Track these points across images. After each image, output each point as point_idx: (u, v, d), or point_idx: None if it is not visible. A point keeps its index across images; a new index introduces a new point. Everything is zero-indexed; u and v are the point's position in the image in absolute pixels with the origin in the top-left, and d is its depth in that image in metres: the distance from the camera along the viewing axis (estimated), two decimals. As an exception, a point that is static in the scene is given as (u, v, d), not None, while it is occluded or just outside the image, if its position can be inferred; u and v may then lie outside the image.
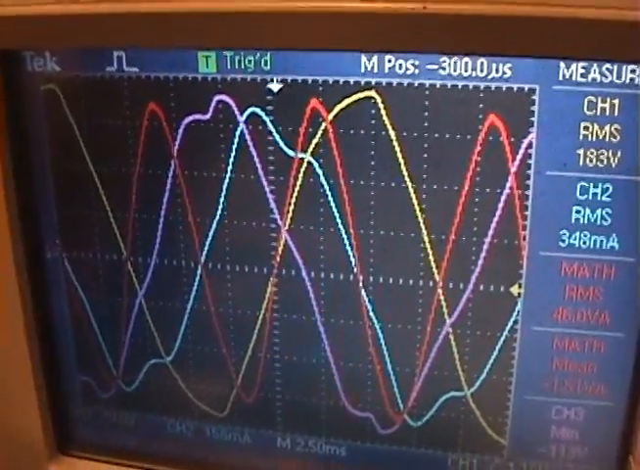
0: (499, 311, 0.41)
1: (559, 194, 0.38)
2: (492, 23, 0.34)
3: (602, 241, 0.39)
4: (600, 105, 0.37)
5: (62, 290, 0.47)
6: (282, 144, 0.40)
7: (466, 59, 0.37)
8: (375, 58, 0.38)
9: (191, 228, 0.43)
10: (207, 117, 0.41)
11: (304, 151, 0.40)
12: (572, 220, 0.38)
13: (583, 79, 0.36)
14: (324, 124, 0.39)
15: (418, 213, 0.40)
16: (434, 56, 0.37)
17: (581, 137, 0.37)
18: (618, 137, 0.37)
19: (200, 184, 0.42)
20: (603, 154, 0.37)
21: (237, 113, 0.40)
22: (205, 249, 0.43)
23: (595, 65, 0.36)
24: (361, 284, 0.42)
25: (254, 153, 0.41)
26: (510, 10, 0.33)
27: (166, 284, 0.45)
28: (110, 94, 0.42)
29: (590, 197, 0.38)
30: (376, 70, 0.38)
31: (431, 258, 0.40)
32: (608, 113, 0.37)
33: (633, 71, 0.36)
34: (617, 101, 0.36)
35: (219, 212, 0.42)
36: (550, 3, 0.33)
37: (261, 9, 0.35)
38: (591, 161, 0.37)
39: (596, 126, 0.37)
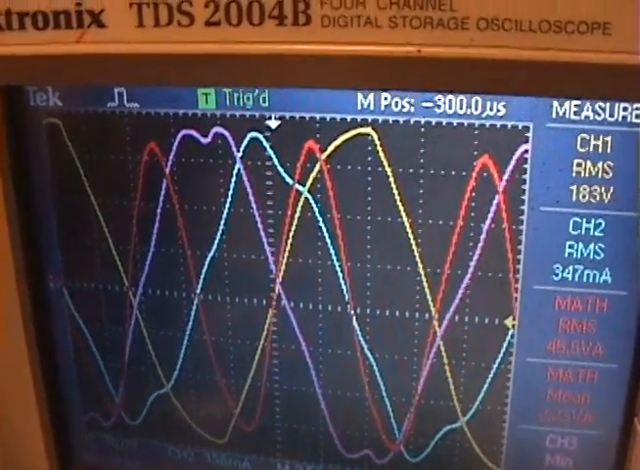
0: (494, 343, 0.41)
1: (552, 229, 0.39)
2: (485, 66, 0.34)
3: (595, 275, 0.39)
4: (593, 142, 0.37)
5: (64, 319, 0.47)
6: (279, 178, 0.41)
7: (461, 97, 0.38)
8: (371, 95, 0.38)
9: (188, 260, 0.44)
10: (206, 145, 0.41)
11: (302, 184, 0.41)
12: (566, 255, 0.39)
13: (576, 117, 0.37)
14: (320, 161, 0.40)
15: (413, 248, 0.40)
16: (429, 94, 0.38)
17: (574, 174, 0.38)
18: (611, 174, 0.37)
19: (198, 217, 0.43)
20: (596, 190, 0.38)
21: (234, 146, 0.41)
22: (202, 280, 0.44)
23: (588, 103, 0.37)
24: (356, 317, 0.42)
25: (252, 186, 0.41)
26: (502, 54, 0.34)
27: (166, 314, 0.45)
28: (110, 129, 0.42)
29: (583, 232, 0.38)
30: (372, 108, 0.39)
31: (426, 291, 0.41)
32: (600, 150, 0.37)
33: (625, 109, 0.36)
34: (609, 138, 0.37)
35: (216, 245, 0.43)
36: (542, 47, 0.33)
37: (260, 51, 0.36)
38: (584, 197, 0.38)
39: (589, 163, 0.37)
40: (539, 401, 0.42)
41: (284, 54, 0.36)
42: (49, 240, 0.46)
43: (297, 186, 0.41)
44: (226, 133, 0.41)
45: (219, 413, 0.47)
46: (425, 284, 0.41)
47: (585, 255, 0.39)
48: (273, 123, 0.40)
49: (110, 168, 0.43)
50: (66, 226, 0.45)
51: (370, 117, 0.39)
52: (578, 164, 0.38)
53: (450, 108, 0.38)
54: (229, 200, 0.42)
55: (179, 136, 0.41)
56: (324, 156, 0.40)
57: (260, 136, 0.40)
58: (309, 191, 0.41)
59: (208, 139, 0.41)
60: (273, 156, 0.41)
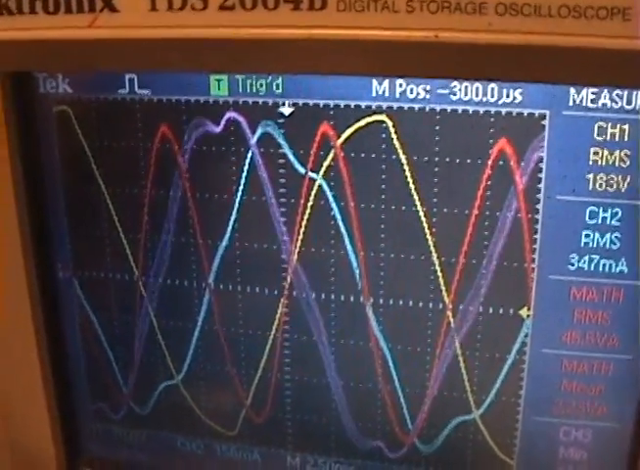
0: (508, 334, 0.41)
1: (568, 218, 0.38)
2: (503, 52, 0.34)
3: (611, 265, 0.39)
4: (610, 130, 0.37)
5: (74, 309, 0.47)
6: (293, 166, 0.40)
7: (477, 84, 0.37)
8: (386, 82, 0.38)
9: (201, 249, 0.43)
10: (219, 136, 0.41)
11: (316, 172, 0.40)
12: (582, 244, 0.39)
13: (593, 105, 0.36)
14: (334, 148, 0.40)
15: (428, 237, 0.40)
16: (445, 81, 0.37)
17: (591, 162, 0.37)
18: (628, 162, 0.37)
19: (210, 205, 0.42)
20: (612, 179, 0.37)
21: (248, 132, 0.40)
22: (215, 269, 0.43)
23: (605, 90, 0.36)
24: (370, 306, 0.42)
25: (265, 174, 0.41)
26: (520, 39, 0.33)
27: (177, 304, 0.45)
28: (121, 116, 0.42)
29: (599, 221, 0.38)
30: (387, 95, 0.38)
31: (440, 280, 0.40)
32: (617, 138, 0.37)
33: (643, 97, 0.36)
34: (626, 126, 0.37)
35: (229, 234, 0.42)
36: (560, 33, 0.33)
37: (275, 36, 0.35)
38: (601, 185, 0.38)
39: (606, 151, 0.37)
40: (554, 393, 0.42)
41: (299, 39, 0.35)
42: (59, 229, 0.45)
43: (311, 174, 0.40)
44: (239, 120, 0.40)
45: (229, 404, 0.46)
46: (439, 274, 0.40)
47: (601, 244, 0.38)
48: (286, 110, 0.40)
49: (120, 156, 0.43)
50: (75, 215, 0.45)
51: (385, 104, 0.38)
52: (595, 153, 0.37)
53: (466, 95, 0.38)
54: (242, 188, 0.41)
55: (191, 123, 0.41)
56: (339, 141, 0.39)
57: (274, 124, 0.40)
58: (323, 178, 0.40)
59: (221, 126, 0.41)
60: (286, 143, 0.40)
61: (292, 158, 0.40)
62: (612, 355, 0.40)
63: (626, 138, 0.37)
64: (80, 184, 0.44)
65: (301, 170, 0.40)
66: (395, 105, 0.38)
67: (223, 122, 0.41)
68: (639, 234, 0.38)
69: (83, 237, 0.45)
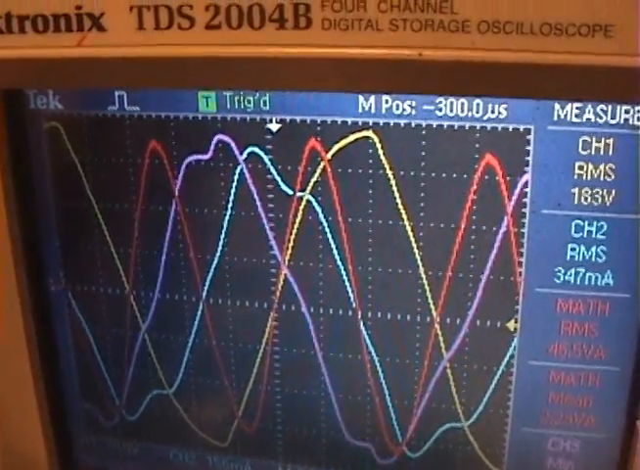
0: (495, 346, 0.41)
1: (554, 232, 0.39)
2: (487, 69, 0.34)
3: (597, 277, 0.39)
4: (595, 144, 0.37)
5: (65, 323, 0.47)
6: (281, 183, 0.41)
7: (462, 100, 0.38)
8: (372, 98, 0.38)
9: (192, 264, 0.44)
10: (208, 156, 0.41)
11: (303, 189, 0.41)
12: (568, 258, 0.39)
13: (578, 120, 0.37)
14: (322, 163, 0.40)
15: (415, 251, 0.40)
16: (430, 97, 0.38)
17: (576, 176, 0.38)
18: (613, 176, 0.37)
19: (200, 221, 0.43)
20: (598, 192, 0.38)
21: (237, 152, 0.41)
22: (207, 284, 0.44)
23: (590, 105, 0.36)
24: (360, 319, 0.42)
25: (254, 191, 0.41)
26: (503, 56, 0.34)
27: (168, 318, 0.45)
28: (111, 132, 0.42)
29: (585, 235, 0.38)
30: (373, 111, 0.38)
31: (428, 294, 0.41)
32: (602, 152, 0.37)
33: (627, 112, 0.36)
34: (611, 141, 0.37)
35: (220, 249, 0.43)
36: (543, 50, 0.33)
37: (261, 54, 0.36)
38: (586, 199, 0.38)
39: (591, 166, 0.37)
40: (541, 404, 0.42)
41: (285, 57, 0.36)
42: (50, 244, 0.46)
43: (299, 192, 0.41)
44: (228, 140, 0.41)
45: (221, 416, 0.47)
46: (427, 287, 0.41)
47: (587, 257, 0.39)
48: (274, 126, 0.40)
49: (111, 172, 0.43)
50: (67, 230, 0.45)
51: (371, 121, 0.39)
52: (580, 167, 0.37)
53: (451, 110, 0.38)
54: (231, 204, 0.42)
55: (180, 139, 0.41)
56: (327, 157, 0.40)
57: (261, 141, 0.40)
58: (311, 194, 0.41)
59: (211, 145, 0.41)
60: (274, 160, 0.40)
61: (280, 174, 0.41)
62: (598, 367, 0.41)
63: (611, 152, 0.37)
64: (71, 200, 0.44)
65: (290, 187, 0.41)
66: (382, 121, 0.39)
67: (213, 141, 0.41)
68: (625, 247, 0.38)
69: (75, 252, 0.46)
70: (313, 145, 0.40)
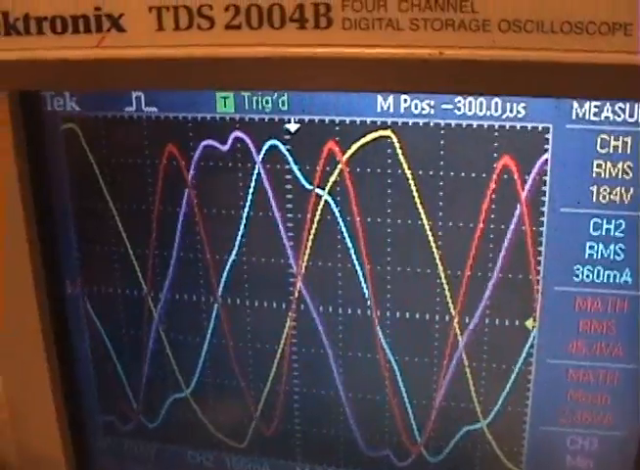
0: (514, 345, 0.41)
1: (572, 230, 0.39)
2: (506, 67, 0.34)
3: (615, 276, 0.39)
4: (613, 143, 0.37)
5: (82, 325, 0.47)
6: (299, 182, 0.41)
7: (481, 99, 0.38)
8: (391, 98, 0.38)
9: (208, 264, 0.44)
10: (225, 156, 0.41)
11: (322, 188, 0.41)
12: (586, 256, 0.39)
13: (596, 118, 0.37)
14: (340, 164, 0.40)
15: (434, 250, 0.40)
16: (449, 96, 0.38)
17: (594, 174, 0.38)
18: (631, 174, 0.37)
19: (217, 221, 0.43)
20: (616, 190, 0.38)
21: (254, 150, 0.41)
22: (222, 284, 0.44)
23: (608, 104, 0.37)
24: (377, 319, 0.42)
25: (272, 190, 0.41)
26: (523, 55, 0.34)
27: (185, 318, 0.45)
28: (128, 133, 0.42)
29: (604, 233, 0.38)
30: (392, 110, 0.39)
31: (447, 293, 0.41)
32: (620, 150, 0.37)
33: (645, 110, 0.37)
34: (629, 139, 0.37)
35: (236, 249, 0.43)
36: (563, 49, 0.33)
37: (281, 54, 0.36)
38: (604, 197, 0.38)
39: (609, 164, 0.37)
40: (560, 403, 0.42)
41: (305, 57, 0.36)
42: (68, 245, 0.46)
43: (317, 190, 0.41)
44: (245, 137, 0.41)
45: (239, 417, 0.47)
46: (445, 286, 0.41)
47: (606, 255, 0.39)
48: (292, 127, 0.40)
49: (128, 173, 0.43)
50: (84, 232, 0.45)
51: (390, 120, 0.39)
52: (598, 165, 0.38)
53: (470, 109, 0.38)
54: (248, 203, 0.42)
55: (198, 140, 0.41)
56: (344, 158, 0.40)
57: (280, 140, 0.40)
58: (329, 194, 0.41)
59: (227, 143, 0.41)
60: (292, 160, 0.41)
61: (298, 174, 0.41)
62: (617, 365, 0.41)
63: (629, 150, 0.37)
64: (89, 201, 0.44)
65: (308, 186, 0.41)
66: (400, 120, 0.39)
67: (230, 139, 0.41)
68: (643, 245, 0.39)
69: (92, 253, 0.46)
70: (332, 145, 0.40)
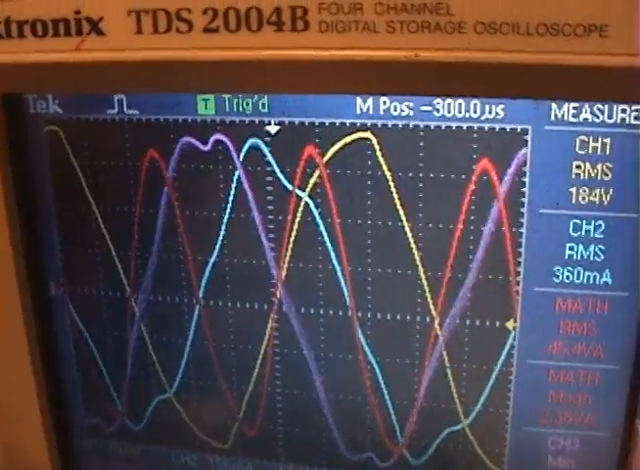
0: (494, 346, 0.41)
1: (552, 231, 0.39)
2: (483, 69, 0.35)
3: (595, 276, 0.39)
4: (592, 144, 0.37)
5: (66, 326, 0.47)
6: (279, 184, 0.41)
7: (459, 100, 0.38)
8: (370, 100, 0.39)
9: (190, 266, 0.44)
10: (206, 157, 0.42)
11: (302, 190, 0.41)
12: (566, 257, 0.39)
13: (575, 119, 0.37)
14: (321, 165, 0.40)
15: (414, 251, 0.40)
16: (427, 98, 0.38)
17: (573, 176, 0.38)
18: (610, 175, 0.38)
19: (198, 223, 0.43)
20: (595, 192, 0.38)
21: (234, 152, 0.41)
22: (204, 286, 0.44)
23: (586, 105, 0.37)
24: (357, 320, 0.42)
25: (252, 192, 0.41)
26: (500, 57, 0.34)
27: (167, 320, 0.45)
28: (111, 136, 0.42)
29: (583, 234, 0.39)
30: (371, 112, 0.39)
31: (427, 294, 0.41)
32: (599, 152, 0.37)
33: (624, 111, 0.36)
34: (608, 140, 0.37)
35: (217, 250, 0.43)
36: (539, 50, 0.34)
37: (259, 57, 0.36)
38: (583, 198, 0.38)
39: (588, 165, 0.38)
40: (541, 403, 0.42)
41: (282, 60, 0.36)
42: (50, 247, 0.46)
43: (297, 191, 0.41)
44: (226, 139, 0.41)
45: (222, 418, 0.47)
46: (425, 287, 0.41)
47: (585, 256, 0.39)
48: (273, 129, 0.40)
49: (110, 175, 0.43)
50: (67, 233, 0.45)
51: (369, 122, 0.39)
52: (577, 167, 0.38)
53: (449, 111, 0.38)
54: (230, 205, 0.42)
55: (179, 142, 0.42)
56: (324, 160, 0.40)
57: (260, 142, 0.41)
58: (309, 196, 0.41)
59: (208, 145, 0.41)
60: (273, 162, 0.41)
61: (278, 176, 0.41)
62: (597, 366, 0.41)
63: (608, 151, 0.37)
64: (71, 203, 0.45)
65: (288, 188, 0.41)
66: (379, 122, 0.39)
67: (211, 141, 0.41)
68: (623, 246, 0.39)
69: (75, 255, 0.46)
70: (312, 146, 0.40)
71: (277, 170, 0.41)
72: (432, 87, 0.36)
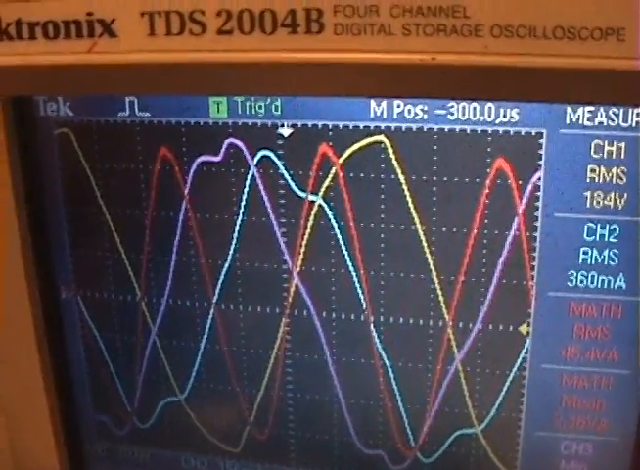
0: (508, 350, 0.41)
1: (566, 235, 0.39)
2: (499, 73, 0.34)
3: (609, 281, 0.39)
4: (607, 148, 0.37)
5: (76, 329, 0.47)
6: (293, 186, 0.41)
7: (474, 104, 0.37)
8: (384, 103, 0.38)
9: (203, 269, 0.44)
10: (219, 161, 0.41)
11: (315, 193, 0.41)
12: (580, 261, 0.39)
13: (590, 123, 0.37)
14: (334, 168, 0.40)
15: (427, 255, 0.40)
16: (442, 101, 0.38)
17: (588, 180, 0.38)
18: (625, 179, 0.37)
19: (211, 226, 0.43)
20: (610, 196, 0.38)
21: (248, 156, 0.41)
22: (217, 290, 0.44)
23: (602, 109, 0.36)
24: (372, 324, 0.42)
25: (266, 196, 0.41)
26: (516, 60, 0.34)
27: (180, 324, 0.45)
28: (122, 138, 0.42)
29: (597, 238, 0.38)
30: (385, 115, 0.39)
31: (440, 298, 0.41)
32: (614, 155, 0.37)
33: (639, 115, 0.36)
34: (623, 144, 0.37)
35: (231, 254, 0.43)
36: (556, 54, 0.33)
37: (272, 59, 0.36)
38: (598, 202, 0.38)
39: (603, 169, 0.37)
40: (554, 408, 0.42)
41: (296, 62, 0.36)
42: (61, 250, 0.46)
43: (311, 195, 0.41)
44: (239, 142, 0.41)
45: (233, 422, 0.47)
46: (439, 292, 0.41)
47: (600, 261, 0.39)
48: (286, 132, 0.40)
49: (122, 178, 0.43)
50: (78, 236, 0.45)
51: (383, 125, 0.39)
52: (592, 170, 0.37)
53: (463, 114, 0.38)
54: (242, 209, 0.42)
55: (191, 145, 0.41)
56: (338, 162, 0.40)
57: (273, 146, 0.40)
58: (323, 199, 0.41)
59: (221, 148, 0.41)
60: (286, 164, 0.40)
61: (291, 178, 0.41)
62: (611, 370, 0.41)
63: (623, 155, 0.37)
64: (82, 206, 0.44)
65: (302, 191, 0.41)
66: (393, 125, 0.39)
67: (224, 144, 0.41)
68: (637, 250, 0.38)
69: (86, 258, 0.46)
70: (325, 150, 0.40)
71: (290, 173, 0.41)
72: (447, 91, 0.36)
